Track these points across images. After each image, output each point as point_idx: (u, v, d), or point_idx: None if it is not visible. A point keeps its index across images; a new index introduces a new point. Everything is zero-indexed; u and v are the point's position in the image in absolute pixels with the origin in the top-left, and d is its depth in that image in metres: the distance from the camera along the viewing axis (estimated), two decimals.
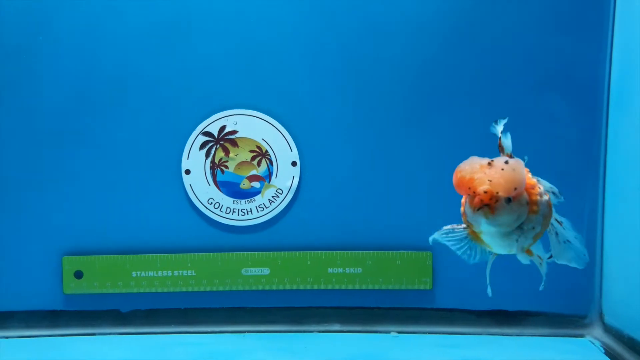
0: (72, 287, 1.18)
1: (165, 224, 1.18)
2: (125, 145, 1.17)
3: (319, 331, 1.19)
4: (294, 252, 1.19)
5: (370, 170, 1.18)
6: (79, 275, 1.18)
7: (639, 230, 1.05)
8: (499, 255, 1.13)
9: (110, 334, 1.18)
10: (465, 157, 0.82)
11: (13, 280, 1.18)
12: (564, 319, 1.19)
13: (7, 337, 1.17)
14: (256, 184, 1.19)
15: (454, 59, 1.15)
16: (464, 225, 0.80)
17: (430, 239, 0.82)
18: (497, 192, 0.72)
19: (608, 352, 1.10)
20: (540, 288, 0.86)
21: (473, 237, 0.80)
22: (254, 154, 1.18)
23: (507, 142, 0.78)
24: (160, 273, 1.18)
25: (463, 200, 0.77)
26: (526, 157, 0.82)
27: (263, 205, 1.19)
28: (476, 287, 1.19)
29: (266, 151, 1.18)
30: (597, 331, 1.17)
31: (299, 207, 1.19)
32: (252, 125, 1.17)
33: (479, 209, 0.72)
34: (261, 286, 1.19)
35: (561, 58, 1.14)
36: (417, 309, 1.20)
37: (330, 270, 1.19)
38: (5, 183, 1.17)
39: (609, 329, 1.15)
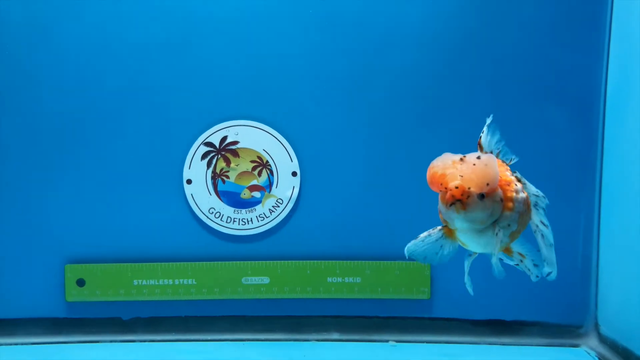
0: (74, 295, 1.19)
1: (166, 233, 1.20)
2: (127, 155, 1.18)
3: (318, 340, 1.20)
4: (293, 261, 1.20)
5: (370, 181, 1.19)
6: (81, 283, 1.19)
7: (635, 241, 1.06)
8: (487, 260, 1.13)
9: (111, 341, 1.19)
10: None
11: (16, 288, 1.19)
12: (560, 329, 1.20)
13: (9, 345, 1.17)
14: (257, 194, 1.20)
15: (454, 71, 1.16)
16: (439, 227, 0.79)
17: (406, 249, 0.82)
18: (469, 188, 0.72)
19: None
20: (533, 279, 0.84)
21: (449, 236, 0.79)
22: (255, 164, 1.20)
23: (486, 140, 0.78)
24: (161, 281, 1.19)
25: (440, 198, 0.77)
26: (515, 157, 0.81)
27: (263, 215, 1.20)
28: (474, 296, 1.20)
29: (267, 161, 1.20)
30: (593, 341, 1.18)
31: (299, 217, 1.20)
32: (253, 136, 1.19)
33: (451, 205, 0.72)
34: (261, 295, 1.20)
35: (558, 69, 1.16)
36: (415, 318, 1.21)
37: (329, 279, 1.20)
38: (8, 192, 1.18)
39: (604, 339, 1.16)
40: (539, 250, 0.81)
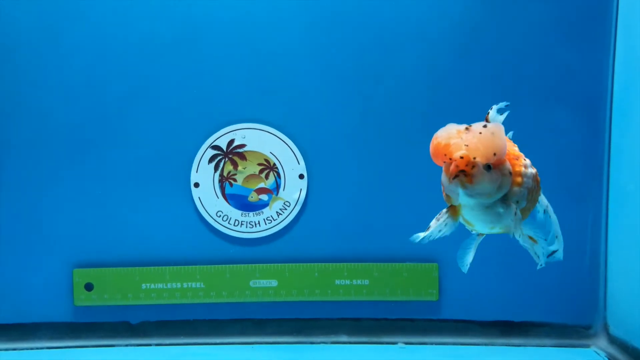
0: (83, 299, 1.19)
1: (174, 237, 1.20)
2: (135, 159, 1.18)
3: (327, 342, 1.20)
4: (301, 264, 1.20)
5: (377, 183, 1.19)
6: (89, 287, 1.19)
7: None
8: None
9: (119, 345, 1.19)
10: None
11: (24, 292, 1.19)
12: (569, 330, 1.20)
13: (18, 349, 1.18)
14: (264, 197, 1.21)
15: (461, 73, 1.17)
16: (445, 210, 0.74)
17: (417, 239, 0.76)
18: (474, 158, 0.66)
19: None
20: (538, 267, 0.80)
21: (454, 216, 0.74)
22: (262, 167, 1.20)
23: (494, 116, 0.72)
24: (169, 285, 1.19)
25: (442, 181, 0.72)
26: (511, 132, 0.77)
27: (271, 218, 1.20)
28: (482, 298, 1.20)
29: (274, 164, 1.20)
30: (602, 342, 1.18)
31: (307, 220, 1.21)
32: (260, 139, 1.19)
33: (455, 177, 0.67)
34: (269, 298, 1.20)
35: (565, 69, 1.16)
36: (423, 320, 1.21)
37: (337, 282, 1.20)
38: (16, 197, 1.18)
39: (613, 340, 1.16)
40: (550, 237, 0.77)
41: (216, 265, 1.20)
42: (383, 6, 1.16)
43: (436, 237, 0.76)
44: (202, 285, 1.20)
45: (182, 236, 1.20)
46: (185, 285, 1.19)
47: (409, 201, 1.19)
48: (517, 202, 0.71)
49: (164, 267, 1.19)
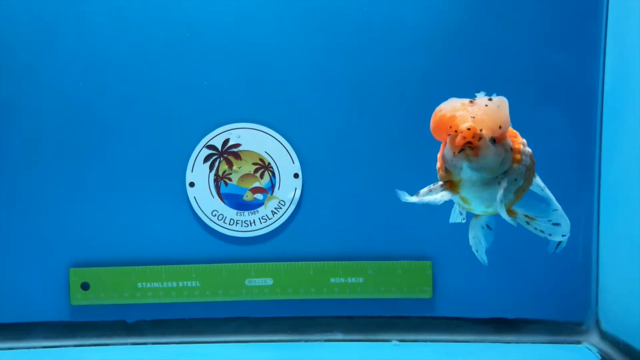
0: (79, 298, 1.19)
1: (170, 236, 1.20)
2: (131, 159, 1.19)
3: (322, 340, 1.20)
4: (296, 262, 1.21)
5: (371, 182, 1.20)
6: (85, 286, 1.19)
7: (634, 238, 1.07)
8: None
9: (116, 344, 1.19)
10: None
11: (21, 292, 1.19)
12: (561, 326, 1.21)
13: (15, 349, 1.18)
14: (259, 196, 1.21)
15: (454, 74, 1.18)
16: (440, 183, 0.72)
17: (403, 198, 0.74)
18: (481, 130, 0.65)
19: (605, 358, 1.12)
20: (556, 238, 0.78)
21: (452, 191, 0.72)
22: (257, 166, 1.21)
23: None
24: (165, 284, 1.20)
25: (439, 154, 0.71)
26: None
27: (266, 217, 1.21)
28: (475, 295, 1.21)
29: (269, 164, 1.21)
30: (594, 338, 1.19)
31: (301, 219, 1.21)
32: (255, 139, 1.20)
33: (460, 151, 0.65)
34: (265, 296, 1.21)
35: (556, 71, 1.17)
36: (417, 317, 1.22)
37: (332, 280, 1.21)
38: (12, 196, 1.19)
39: (605, 336, 1.17)
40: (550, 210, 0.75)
41: (212, 264, 1.20)
42: (377, 9, 1.17)
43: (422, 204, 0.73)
44: (198, 284, 1.20)
45: (178, 235, 1.20)
46: (181, 284, 1.20)
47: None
48: (516, 180, 0.70)
49: (159, 266, 1.20)
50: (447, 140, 0.67)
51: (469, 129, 0.65)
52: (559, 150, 1.18)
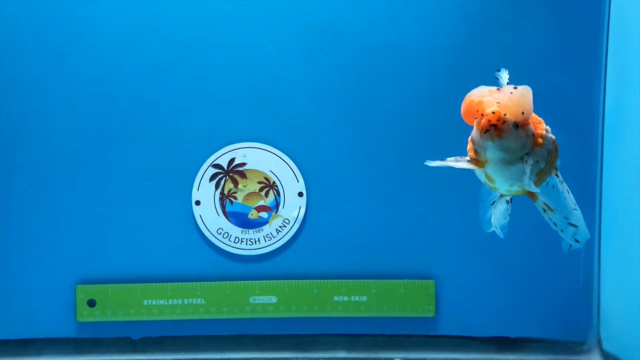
0: (85, 315, 1.20)
1: (176, 254, 1.21)
2: (137, 178, 1.20)
3: (325, 358, 1.21)
4: (300, 280, 1.22)
5: (375, 201, 1.21)
6: (92, 303, 1.20)
7: (636, 258, 1.08)
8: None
9: None
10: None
11: (28, 308, 1.20)
12: (564, 346, 1.21)
13: None
14: (264, 214, 1.22)
15: (455, 93, 1.18)
16: (467, 158, 0.79)
17: (431, 163, 0.80)
18: (505, 114, 0.72)
19: None
20: (568, 240, 0.83)
21: (477, 166, 0.78)
22: (262, 185, 1.22)
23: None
24: (170, 301, 1.21)
25: (470, 137, 0.77)
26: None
27: (270, 235, 1.22)
28: (478, 314, 1.22)
29: (274, 182, 1.22)
30: (596, 357, 1.19)
31: (306, 237, 1.22)
32: (260, 158, 1.21)
33: (486, 132, 0.72)
34: (268, 314, 1.22)
35: (557, 92, 1.18)
36: (420, 336, 1.22)
37: (336, 298, 1.21)
38: (19, 213, 1.20)
39: (607, 356, 1.17)
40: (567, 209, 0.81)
41: (217, 282, 1.21)
42: (381, 30, 1.18)
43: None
44: (203, 302, 1.21)
45: (184, 253, 1.22)
46: (186, 301, 1.21)
47: (407, 218, 1.21)
48: (537, 162, 0.76)
49: (165, 283, 1.21)
50: (475, 124, 0.75)
51: (493, 112, 0.72)
52: (560, 170, 1.19)
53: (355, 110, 1.20)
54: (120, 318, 1.21)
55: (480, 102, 0.74)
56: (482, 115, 0.73)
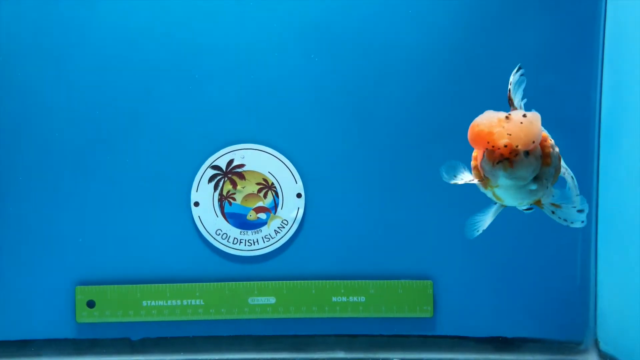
0: (85, 316, 1.21)
1: (174, 255, 1.22)
2: (136, 179, 1.20)
3: (324, 359, 1.21)
4: (299, 281, 1.22)
5: (373, 202, 1.22)
6: (91, 304, 1.21)
7: (632, 258, 1.09)
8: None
9: None
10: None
11: (27, 309, 1.21)
12: (561, 345, 1.22)
13: None
14: (262, 215, 1.23)
15: (453, 96, 1.19)
16: (477, 180, 0.79)
17: (448, 179, 0.81)
18: (517, 146, 0.71)
19: None
20: (578, 225, 0.82)
21: (484, 187, 0.79)
22: (261, 186, 1.23)
23: (514, 95, 0.79)
24: (169, 302, 1.21)
25: (474, 154, 0.78)
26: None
27: (269, 236, 1.23)
28: (476, 314, 1.23)
29: (272, 183, 1.22)
30: (593, 357, 1.20)
31: (304, 238, 1.23)
32: (259, 159, 1.22)
33: (498, 163, 0.72)
34: (267, 315, 1.22)
35: (553, 94, 1.18)
36: (418, 336, 1.23)
37: (334, 299, 1.22)
38: (19, 215, 1.20)
39: (604, 356, 1.18)
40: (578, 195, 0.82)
41: (215, 283, 1.22)
42: (379, 32, 1.19)
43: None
44: (202, 302, 1.22)
45: (182, 254, 1.22)
46: (185, 302, 1.21)
47: (405, 219, 1.21)
48: (546, 179, 0.77)
49: (164, 284, 1.21)
50: (485, 153, 0.74)
51: (505, 145, 0.72)
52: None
53: (354, 112, 1.21)
54: (119, 319, 1.21)
55: (491, 133, 0.73)
56: (493, 147, 0.72)
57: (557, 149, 0.79)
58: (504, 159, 0.72)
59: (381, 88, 1.20)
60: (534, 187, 0.76)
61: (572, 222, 0.82)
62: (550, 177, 0.78)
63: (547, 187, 0.78)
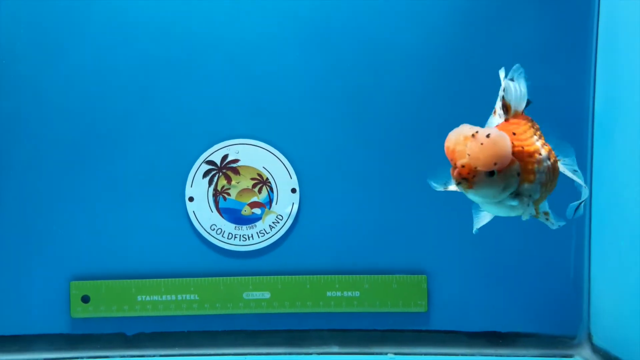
0: (79, 311, 1.21)
1: (169, 250, 1.22)
2: (131, 174, 1.21)
3: (318, 353, 1.22)
4: (293, 276, 1.22)
5: (367, 197, 1.22)
6: (86, 299, 1.21)
7: (625, 253, 1.09)
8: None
9: (115, 357, 1.21)
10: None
11: (22, 304, 1.21)
12: (554, 340, 1.22)
13: None
14: (257, 211, 1.23)
15: (448, 90, 1.20)
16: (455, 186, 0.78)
17: (435, 186, 0.81)
18: (476, 167, 0.70)
19: None
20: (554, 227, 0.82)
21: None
22: (255, 181, 1.23)
23: (511, 95, 0.78)
24: (164, 297, 1.21)
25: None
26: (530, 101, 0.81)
27: (264, 231, 1.23)
28: (470, 309, 1.23)
29: (267, 179, 1.23)
30: (586, 351, 1.20)
31: (299, 233, 1.23)
32: (254, 154, 1.22)
33: (458, 183, 0.71)
34: (262, 309, 1.22)
35: (547, 90, 1.18)
36: (413, 331, 1.23)
37: (328, 293, 1.22)
38: (14, 211, 1.20)
39: (597, 350, 1.19)
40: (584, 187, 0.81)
41: (210, 278, 1.22)
42: (374, 28, 1.19)
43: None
44: (197, 297, 1.22)
45: (177, 249, 1.22)
46: (180, 297, 1.22)
47: (400, 215, 1.22)
48: (530, 195, 0.75)
49: (159, 279, 1.21)
50: (450, 170, 0.73)
51: (463, 166, 0.71)
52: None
53: (348, 108, 1.21)
54: (114, 314, 1.21)
55: (453, 151, 0.72)
56: (454, 165, 0.72)
57: (549, 162, 0.76)
58: (462, 178, 0.71)
59: (376, 84, 1.20)
60: (514, 202, 0.74)
61: (558, 225, 0.82)
62: (536, 193, 0.75)
63: (529, 205, 0.76)
